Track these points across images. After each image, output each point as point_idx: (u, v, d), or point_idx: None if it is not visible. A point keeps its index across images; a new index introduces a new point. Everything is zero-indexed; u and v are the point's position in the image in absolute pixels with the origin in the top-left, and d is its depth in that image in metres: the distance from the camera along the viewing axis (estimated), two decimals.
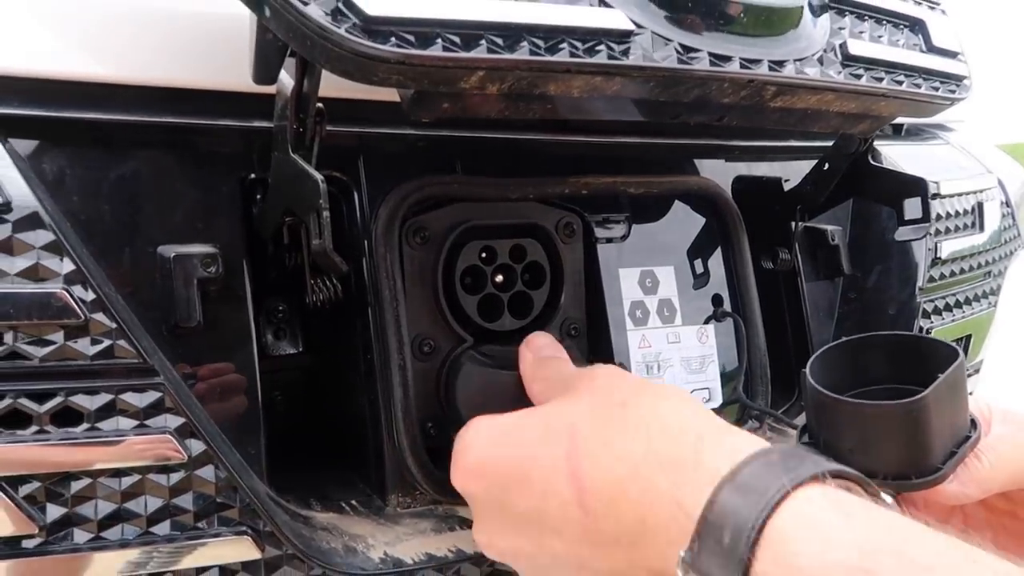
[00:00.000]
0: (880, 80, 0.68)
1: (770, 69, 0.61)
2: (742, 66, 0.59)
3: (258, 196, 0.67)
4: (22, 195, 0.53)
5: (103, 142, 0.61)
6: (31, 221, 0.52)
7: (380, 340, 0.68)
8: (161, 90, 0.63)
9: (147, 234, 0.61)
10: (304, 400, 0.80)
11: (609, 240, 0.83)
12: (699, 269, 0.88)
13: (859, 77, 0.66)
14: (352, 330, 0.71)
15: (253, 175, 0.67)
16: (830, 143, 0.93)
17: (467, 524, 0.67)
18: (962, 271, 0.99)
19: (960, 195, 1.03)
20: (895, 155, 1.04)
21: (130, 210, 0.60)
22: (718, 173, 0.92)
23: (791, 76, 0.62)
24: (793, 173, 0.98)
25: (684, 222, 0.88)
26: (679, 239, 0.88)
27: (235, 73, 0.64)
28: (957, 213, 1.01)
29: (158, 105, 0.63)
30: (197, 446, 0.55)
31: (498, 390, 0.73)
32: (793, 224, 0.95)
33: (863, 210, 1.02)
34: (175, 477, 0.54)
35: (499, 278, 0.76)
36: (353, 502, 0.69)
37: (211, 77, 0.65)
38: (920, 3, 0.81)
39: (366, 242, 0.70)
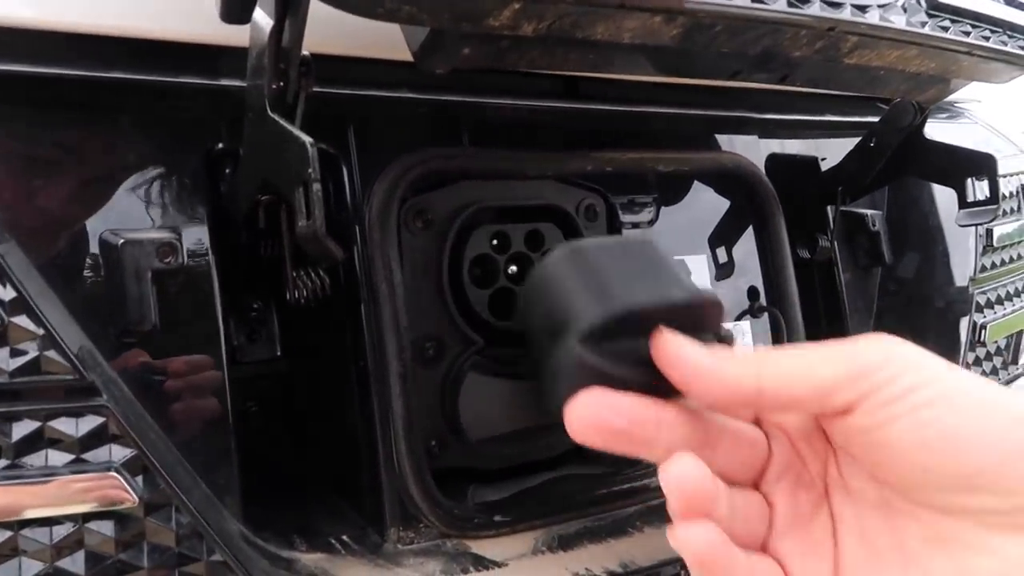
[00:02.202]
0: (967, 34, 0.58)
1: (852, 14, 0.50)
2: (823, 8, 0.49)
3: (227, 171, 0.55)
4: None
5: (34, 102, 0.49)
6: None
7: (376, 344, 0.57)
8: (107, 39, 0.51)
9: (89, 216, 0.49)
10: (283, 412, 0.69)
11: (635, 225, 0.72)
12: (734, 258, 0.78)
13: (946, 29, 0.56)
14: (341, 332, 0.59)
15: (221, 145, 0.55)
16: (871, 118, 0.83)
17: (482, 564, 0.57)
18: (1012, 259, 0.90)
19: (1007, 176, 0.94)
20: (928, 132, 0.94)
21: (68, 186, 0.48)
22: (751, 151, 0.81)
23: (877, 24, 0.51)
24: (827, 151, 0.89)
25: (716, 206, 0.78)
26: (711, 225, 0.77)
27: (200, 19, 0.53)
28: (1004, 196, 0.92)
29: (104, 58, 0.51)
30: (152, 484, 0.43)
31: (514, 401, 0.63)
32: (830, 208, 0.86)
33: (901, 193, 0.93)
34: (123, 526, 0.42)
35: (513, 269, 0.65)
36: (345, 538, 0.57)
37: (170, 25, 0.53)
38: None
39: (358, 227, 0.59)
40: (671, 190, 0.75)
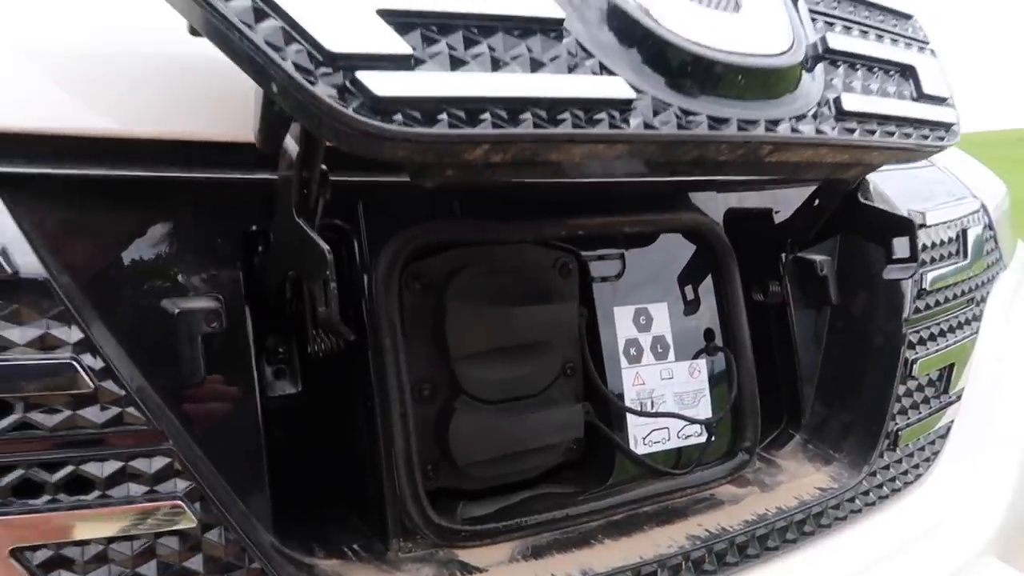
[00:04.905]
0: (872, 133, 0.69)
1: (766, 129, 0.62)
2: (739, 127, 0.61)
3: (259, 248, 0.68)
4: (29, 262, 0.53)
5: (105, 199, 0.61)
6: (39, 290, 0.53)
7: (381, 389, 0.69)
8: (160, 142, 0.63)
9: (151, 291, 0.61)
10: (303, 439, 0.81)
11: (604, 279, 0.84)
12: (691, 304, 0.89)
13: (852, 131, 0.68)
14: (352, 376, 0.72)
15: (255, 227, 0.67)
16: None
17: (467, 569, 0.69)
18: (947, 300, 1.01)
19: (945, 223, 1.05)
20: (883, 180, 1.05)
21: (133, 268, 0.61)
22: (710, 205, 0.93)
23: (787, 135, 0.63)
24: (783, 202, 1.00)
25: (677, 258, 0.90)
26: (672, 275, 0.89)
27: (233, 124, 0.65)
28: (943, 242, 1.03)
29: (158, 158, 0.63)
30: (207, 509, 0.56)
31: (497, 431, 0.75)
32: (783, 256, 0.97)
33: (851, 240, 1.04)
34: (185, 541, 0.55)
35: None
36: (355, 546, 0.70)
37: (209, 128, 0.65)
38: (911, 44, 0.82)
39: (366, 288, 0.71)
40: (636, 246, 0.87)
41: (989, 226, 1.20)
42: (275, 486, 0.67)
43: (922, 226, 0.99)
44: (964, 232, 1.09)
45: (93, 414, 0.53)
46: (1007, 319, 1.16)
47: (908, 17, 0.86)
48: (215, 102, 0.64)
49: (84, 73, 0.61)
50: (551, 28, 0.56)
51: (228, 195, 0.66)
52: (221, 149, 0.65)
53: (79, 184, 0.60)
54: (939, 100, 0.78)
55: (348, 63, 0.48)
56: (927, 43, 0.86)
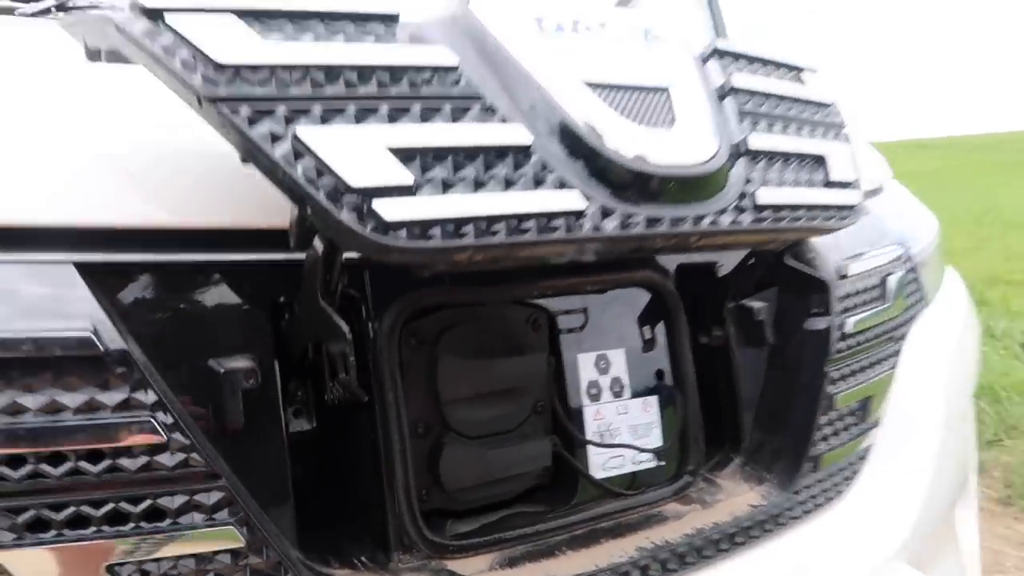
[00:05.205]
0: (782, 220, 0.85)
1: (693, 223, 0.78)
2: (671, 224, 0.77)
3: (286, 315, 0.83)
4: (113, 339, 0.68)
5: (165, 281, 0.76)
6: (122, 362, 0.68)
7: (384, 428, 0.85)
8: (211, 231, 0.78)
9: (202, 355, 0.76)
10: (315, 465, 0.96)
11: (570, 330, 1.00)
12: (645, 349, 1.05)
13: (764, 220, 0.84)
14: (360, 417, 0.87)
15: (282, 298, 0.82)
16: None
17: None
18: (867, 340, 1.17)
19: (868, 271, 1.21)
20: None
21: (189, 337, 0.76)
22: (662, 261, 1.09)
23: (709, 228, 0.79)
24: (727, 258, 1.16)
25: (633, 310, 1.06)
26: (629, 324, 1.05)
27: (268, 215, 0.80)
28: (864, 290, 1.20)
29: (209, 244, 0.78)
30: (252, 532, 0.71)
31: (479, 461, 0.90)
32: (726, 304, 1.13)
33: (786, 288, 1.20)
34: (237, 558, 0.70)
35: None
36: (363, 559, 0.85)
37: (248, 218, 0.80)
38: (827, 132, 0.98)
39: (372, 344, 0.86)
40: (597, 299, 1.03)
41: (912, 269, 1.36)
42: (296, 509, 0.82)
43: (844, 277, 1.16)
44: (886, 279, 1.25)
45: (166, 459, 0.68)
46: (927, 350, 1.32)
47: (827, 106, 1.03)
48: (256, 197, 0.79)
49: (152, 176, 0.76)
50: (520, 151, 0.71)
51: (263, 273, 0.81)
52: (257, 235, 0.80)
53: (146, 269, 0.75)
54: (844, 184, 0.94)
55: (366, 194, 0.64)
56: (843, 127, 1.02)
